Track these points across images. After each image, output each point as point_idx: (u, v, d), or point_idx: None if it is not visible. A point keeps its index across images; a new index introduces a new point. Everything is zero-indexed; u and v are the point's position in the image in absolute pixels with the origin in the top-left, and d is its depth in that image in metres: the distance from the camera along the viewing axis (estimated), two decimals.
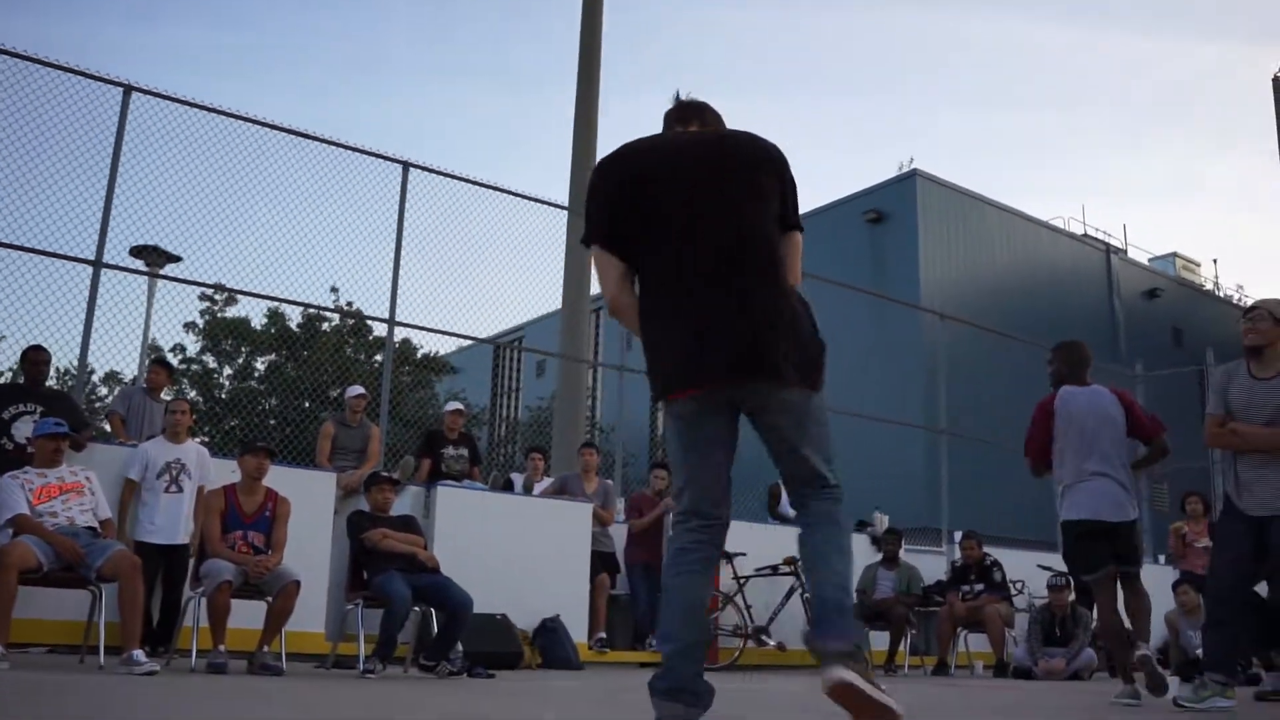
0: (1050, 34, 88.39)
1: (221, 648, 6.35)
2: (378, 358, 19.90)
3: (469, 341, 12.62)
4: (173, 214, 10.18)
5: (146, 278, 12.56)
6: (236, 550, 6.75)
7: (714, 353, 3.05)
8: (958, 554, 11.54)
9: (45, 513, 6.31)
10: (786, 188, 3.28)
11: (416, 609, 7.13)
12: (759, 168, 3.24)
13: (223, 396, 22.23)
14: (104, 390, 21.33)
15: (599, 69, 16.60)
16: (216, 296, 21.27)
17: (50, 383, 8.03)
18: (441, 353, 20.46)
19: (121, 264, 9.63)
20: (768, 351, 3.04)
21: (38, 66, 8.85)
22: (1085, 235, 31.83)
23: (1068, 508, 6.33)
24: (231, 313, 22.09)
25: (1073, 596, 10.88)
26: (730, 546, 10.58)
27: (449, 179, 10.82)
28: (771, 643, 10.36)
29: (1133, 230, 46.54)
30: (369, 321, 18.32)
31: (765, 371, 3.04)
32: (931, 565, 12.02)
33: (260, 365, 23.11)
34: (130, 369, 14.87)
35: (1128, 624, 6.45)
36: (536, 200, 11.56)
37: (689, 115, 3.46)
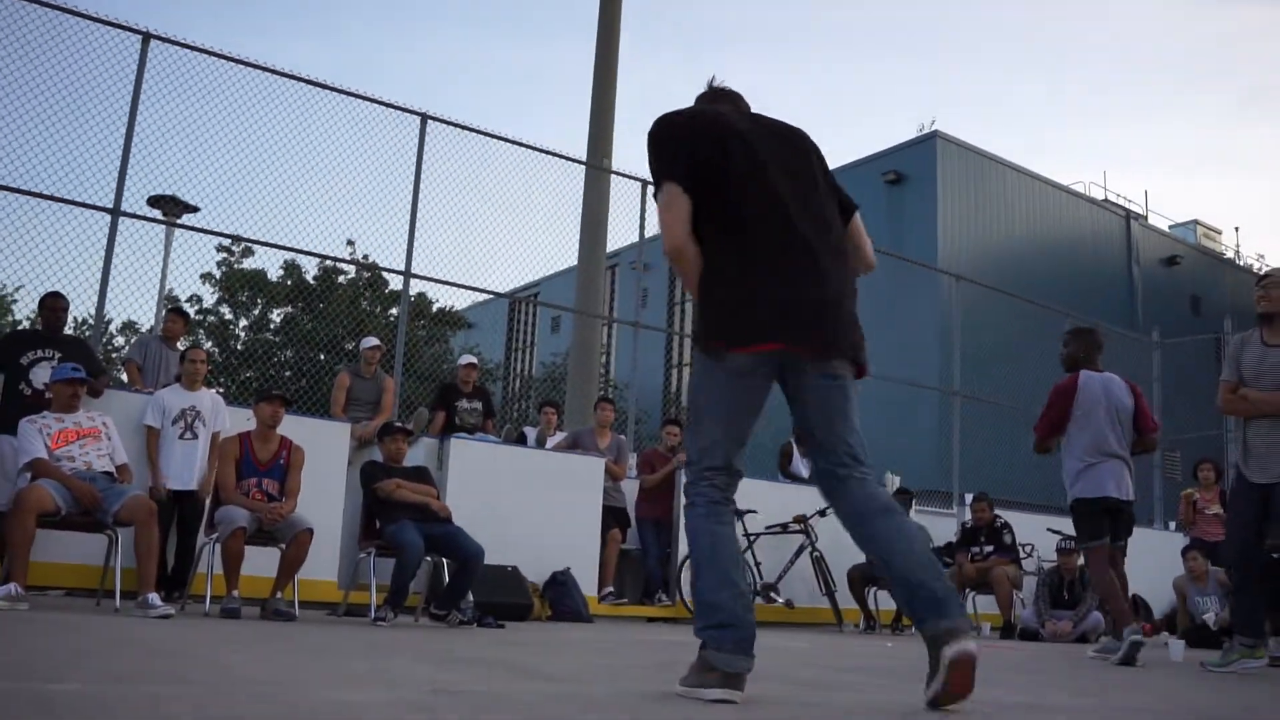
0: None
1: (235, 593, 6.43)
2: (393, 311, 19.94)
3: (484, 296, 12.64)
4: (190, 164, 10.21)
5: (164, 228, 12.60)
6: (251, 497, 6.81)
7: (797, 319, 3.14)
8: (968, 516, 11.56)
9: (63, 457, 6.37)
10: (828, 174, 3.44)
11: (428, 559, 7.19)
12: (821, 159, 3.42)
13: (238, 348, 22.32)
14: (120, 340, 21.44)
15: (619, 23, 16.49)
16: (233, 248, 21.33)
17: (68, 331, 8.07)
18: (457, 308, 20.48)
19: (139, 213, 9.67)
20: (844, 332, 3.22)
21: (57, 13, 8.84)
22: (1105, 201, 31.60)
23: (1084, 485, 6.68)
24: (248, 264, 22.14)
25: (1081, 560, 10.91)
26: (740, 504, 10.60)
27: (467, 132, 10.80)
28: (780, 600, 10.43)
29: (1154, 197, 46.30)
30: (385, 274, 18.35)
31: (842, 350, 3.22)
32: (942, 527, 12.05)
33: (276, 317, 23.17)
34: (147, 319, 14.94)
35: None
36: (555, 154, 11.54)
37: (720, 100, 3.51)
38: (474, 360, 10.46)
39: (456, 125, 10.73)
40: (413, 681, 3.16)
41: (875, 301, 20.43)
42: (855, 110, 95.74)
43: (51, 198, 8.63)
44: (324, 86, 10.07)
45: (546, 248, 12.35)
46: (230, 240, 19.02)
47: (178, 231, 12.53)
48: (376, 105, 10.35)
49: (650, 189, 11.95)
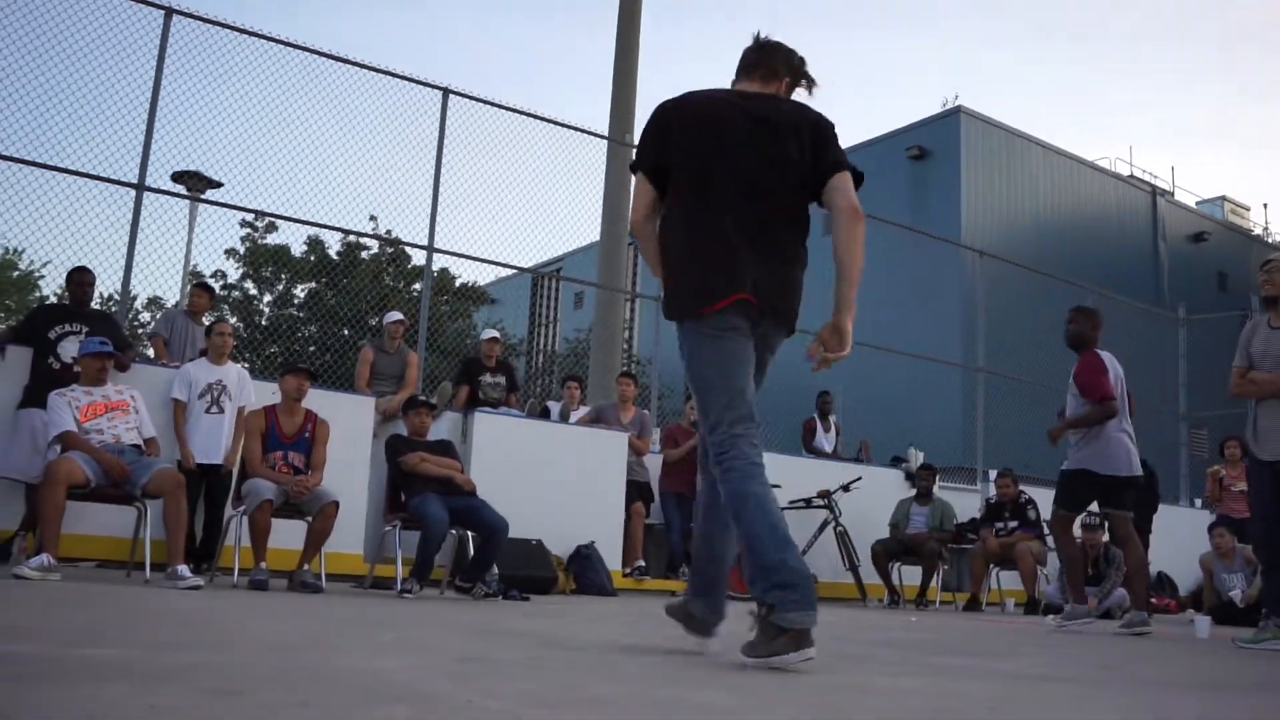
0: None
1: (263, 565, 6.49)
2: (416, 286, 19.96)
3: (507, 271, 12.64)
4: (213, 140, 10.24)
5: (188, 204, 12.65)
6: (277, 471, 6.85)
7: (757, 284, 3.40)
8: (992, 492, 11.53)
9: (92, 430, 6.43)
10: (820, 145, 3.50)
11: (453, 531, 7.23)
12: (813, 133, 3.50)
13: (263, 323, 22.41)
14: (146, 316, 21.57)
15: None
16: (257, 223, 21.38)
17: (94, 306, 8.13)
18: (480, 283, 20.49)
19: (164, 188, 9.71)
20: (791, 304, 3.58)
21: None
22: (1131, 176, 31.30)
23: (1097, 459, 6.92)
24: (271, 240, 22.21)
25: (1106, 537, 10.88)
26: None
27: (489, 106, 10.79)
28: None
29: (1181, 172, 45.80)
30: (407, 250, 18.38)
31: (788, 321, 3.60)
32: (966, 503, 12.03)
33: (300, 293, 23.25)
34: (172, 294, 15.02)
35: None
36: (576, 129, 11.51)
37: (754, 65, 3.70)
38: (497, 335, 10.47)
39: (478, 100, 10.72)
40: (440, 650, 3.19)
41: (898, 277, 20.63)
42: (879, 85, 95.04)
43: (77, 173, 8.68)
44: (346, 61, 10.07)
45: (569, 223, 12.31)
46: (254, 216, 19.11)
47: (202, 207, 12.58)
48: (398, 80, 10.34)
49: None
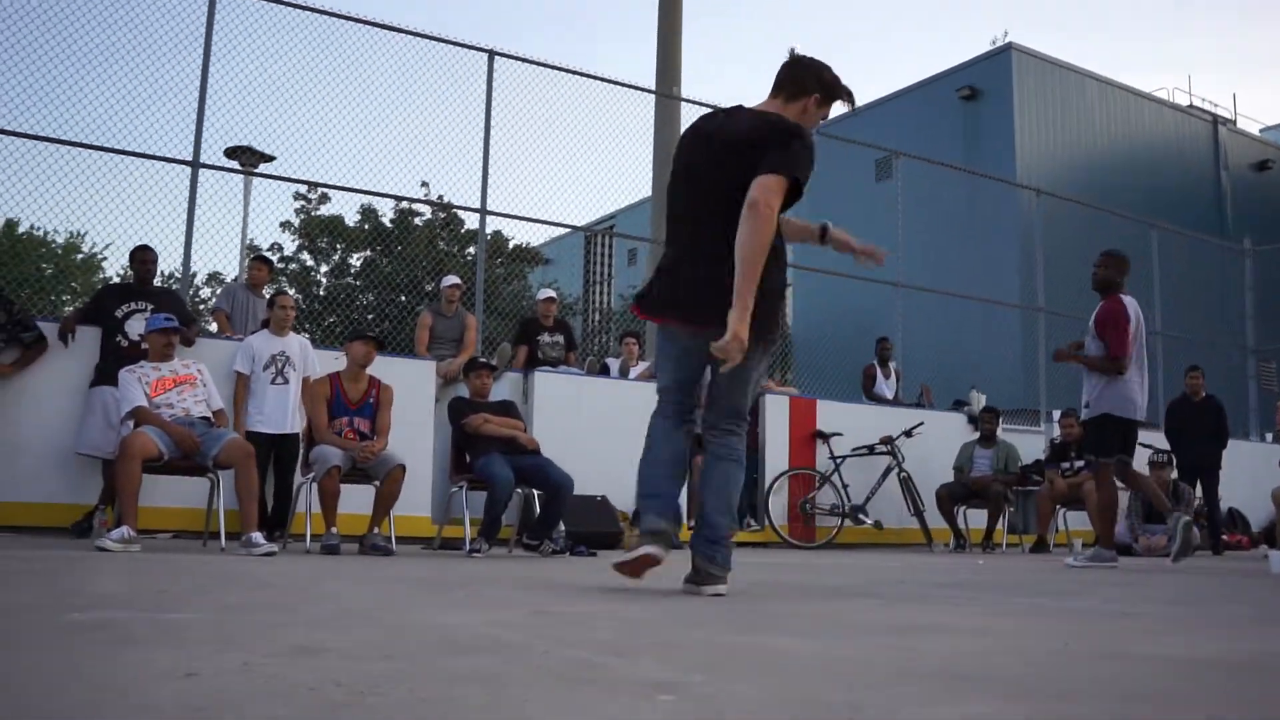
0: None
1: (333, 529, 6.60)
2: (470, 250, 20.06)
3: (560, 230, 12.66)
4: (264, 114, 10.33)
5: (242, 179, 12.79)
6: (343, 437, 6.95)
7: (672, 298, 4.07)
8: (1057, 432, 11.43)
9: (162, 404, 6.56)
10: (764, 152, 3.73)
11: (519, 490, 7.31)
12: (741, 146, 3.79)
13: (320, 294, 22.65)
14: (206, 292, 21.86)
15: None
16: (310, 195, 21.56)
17: (156, 283, 8.28)
18: (533, 244, 20.55)
19: (218, 164, 9.84)
20: (699, 304, 3.92)
21: None
22: (1191, 106, 30.57)
23: (1125, 404, 7.13)
24: (325, 211, 22.39)
25: (1174, 474, 10.76)
26: (826, 426, 10.68)
27: (535, 66, 10.77)
28: (869, 521, 10.44)
29: (1243, 100, 44.61)
30: (460, 214, 18.43)
31: (693, 319, 3.98)
32: (1030, 445, 11.93)
33: (355, 261, 23.45)
34: (231, 269, 15.20)
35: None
36: (624, 85, 11.45)
37: (781, 84, 4.01)
38: (553, 294, 10.51)
39: (524, 60, 10.71)
40: (513, 605, 3.24)
41: (954, 220, 20.34)
42: (927, 26, 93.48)
43: (134, 154, 8.82)
44: (391, 28, 10.09)
45: (620, 180, 12.30)
46: (306, 187, 19.27)
47: (256, 182, 12.72)
48: (444, 44, 10.35)
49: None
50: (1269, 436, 15.32)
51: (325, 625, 2.59)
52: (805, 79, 3.96)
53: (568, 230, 13.17)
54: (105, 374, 7.33)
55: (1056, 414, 11.83)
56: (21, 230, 23.91)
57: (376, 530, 6.81)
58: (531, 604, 3.28)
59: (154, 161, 8.95)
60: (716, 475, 4.09)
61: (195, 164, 8.93)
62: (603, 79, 11.20)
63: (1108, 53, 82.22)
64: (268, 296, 8.65)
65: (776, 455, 10.47)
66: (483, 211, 10.36)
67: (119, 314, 7.65)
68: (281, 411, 7.79)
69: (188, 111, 9.05)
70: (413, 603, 3.27)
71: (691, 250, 3.89)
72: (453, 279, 9.63)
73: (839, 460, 10.50)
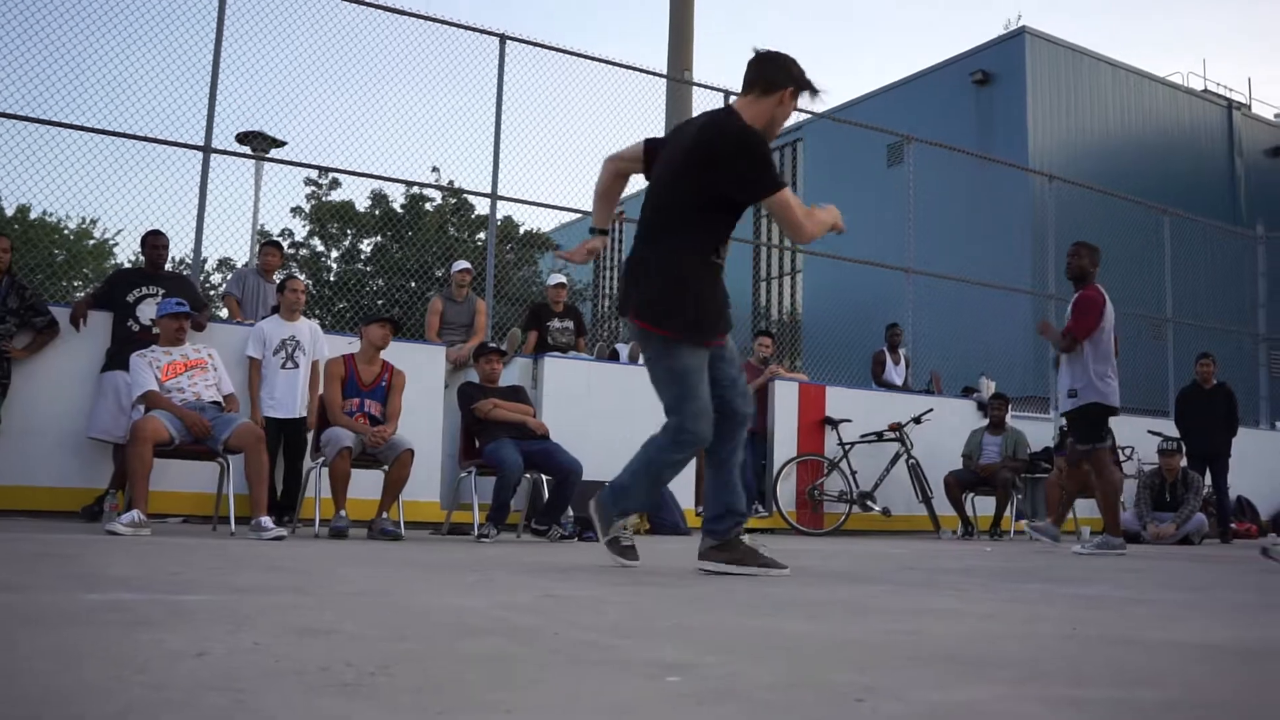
0: None
1: (342, 512, 6.62)
2: (480, 236, 20.07)
3: (571, 216, 12.64)
4: (275, 99, 10.34)
5: (253, 165, 12.80)
6: (354, 419, 6.97)
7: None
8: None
9: (173, 389, 6.58)
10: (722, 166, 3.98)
11: (527, 475, 7.32)
12: (707, 142, 4.02)
13: (331, 279, 22.69)
14: (217, 278, 21.92)
15: None
16: (320, 180, 21.58)
17: (168, 269, 8.29)
18: (544, 230, 20.57)
19: (229, 149, 9.85)
20: (638, 301, 4.31)
21: None
22: (1205, 91, 30.41)
23: (1108, 394, 7.32)
24: (335, 197, 22.41)
25: (1184, 462, 10.74)
26: (835, 413, 10.67)
27: (546, 50, 10.75)
28: (877, 508, 10.44)
29: (1259, 84, 44.34)
30: (471, 199, 18.45)
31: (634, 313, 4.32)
32: (1039, 432, 11.91)
33: (366, 247, 23.48)
34: (241, 255, 15.23)
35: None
36: (635, 69, 11.43)
37: (751, 82, 4.18)
38: (563, 280, 10.51)
39: (535, 44, 10.68)
40: (523, 589, 3.25)
41: (965, 205, 20.28)
42: (939, 9, 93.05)
43: (145, 138, 8.83)
44: (402, 13, 10.07)
45: None
46: (318, 173, 19.28)
47: (267, 167, 12.71)
48: (455, 28, 10.33)
49: (734, 98, 11.83)
50: (1279, 424, 15.29)
51: (335, 607, 2.60)
52: (777, 75, 4.12)
53: (578, 216, 13.15)
54: (116, 359, 7.35)
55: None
56: (34, 216, 23.98)
57: (385, 515, 6.82)
58: (541, 588, 3.29)
59: (165, 147, 8.96)
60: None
61: (207, 149, 8.94)
62: (614, 63, 11.18)
63: (1121, 36, 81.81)
64: (278, 282, 8.66)
65: (785, 441, 10.47)
66: (493, 196, 10.36)
67: (130, 299, 7.68)
68: (291, 396, 7.81)
69: (199, 97, 9.06)
70: (422, 586, 3.28)
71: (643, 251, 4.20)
72: (463, 264, 9.64)
73: (847, 447, 10.49)
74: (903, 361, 12.10)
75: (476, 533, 7.02)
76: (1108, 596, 3.60)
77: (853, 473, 10.43)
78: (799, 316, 26.57)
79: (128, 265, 10.32)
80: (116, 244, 28.00)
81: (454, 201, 21.30)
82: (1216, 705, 1.52)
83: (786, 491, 10.30)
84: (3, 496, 7.28)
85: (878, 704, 1.45)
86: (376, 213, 22.13)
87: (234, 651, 1.78)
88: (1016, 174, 20.94)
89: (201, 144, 8.94)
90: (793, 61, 4.16)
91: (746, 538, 4.36)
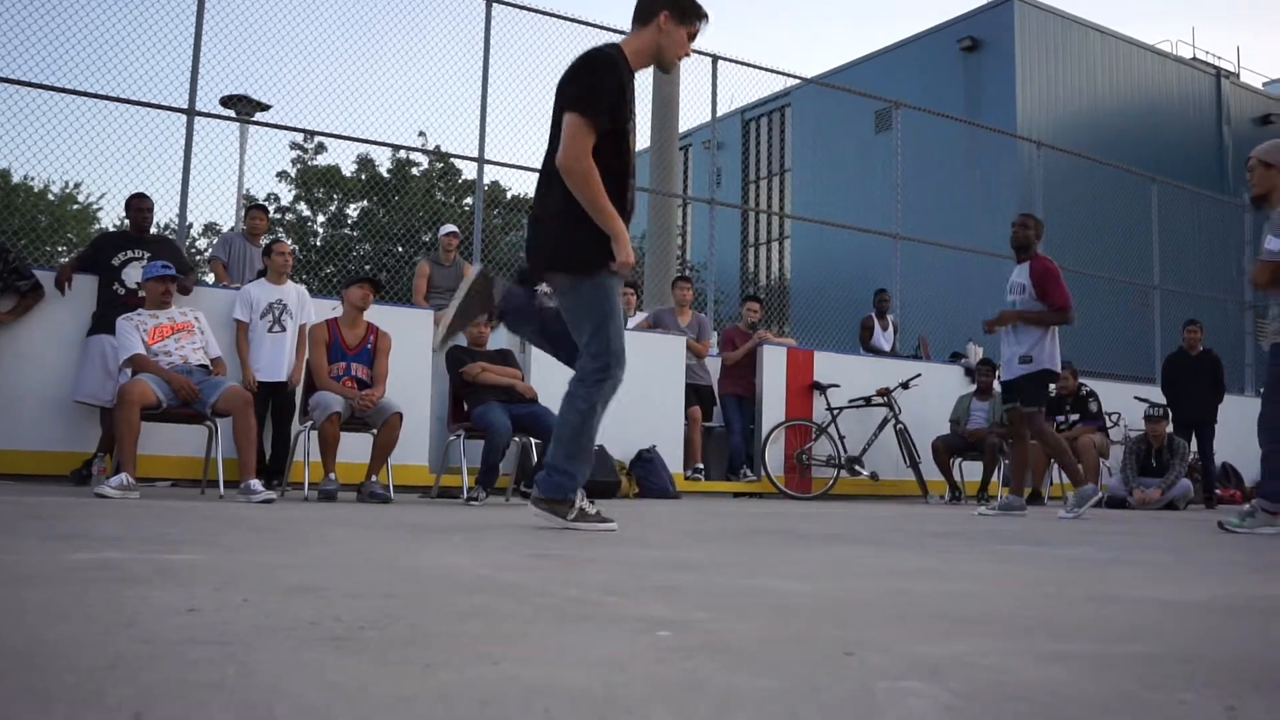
0: None
1: (332, 475, 6.63)
2: (468, 200, 19.99)
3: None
4: (260, 63, 10.28)
5: (238, 129, 12.71)
6: (341, 383, 6.96)
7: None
8: (1051, 387, 11.45)
9: (160, 352, 6.56)
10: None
11: (516, 439, 7.33)
12: (569, 82, 4.02)
13: (317, 244, 22.60)
14: (203, 243, 21.83)
15: None
16: (306, 145, 21.46)
17: (153, 232, 8.24)
18: (531, 195, 20.53)
19: (214, 112, 9.77)
20: (539, 251, 4.30)
21: None
22: (1194, 59, 30.37)
23: (1050, 358, 7.42)
24: (321, 161, 22.29)
25: (1170, 428, 10.80)
26: (823, 378, 10.70)
27: (532, 13, 10.67)
28: (865, 473, 10.49)
29: (1247, 53, 44.28)
30: (458, 165, 18.36)
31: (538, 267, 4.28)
32: None
33: (352, 212, 23.38)
34: (227, 220, 15.15)
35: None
36: (623, 32, 11.34)
37: (635, 16, 4.18)
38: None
39: (522, 7, 10.61)
40: (512, 549, 3.26)
41: (953, 172, 20.30)
42: None
43: (129, 101, 8.77)
44: None
45: None
46: (303, 136, 19.15)
47: (252, 132, 12.65)
48: None
49: (720, 64, 11.69)
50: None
51: (324, 567, 2.60)
52: (653, 7, 4.08)
53: None
54: (103, 322, 7.32)
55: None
56: (15, 181, 23.80)
57: (374, 478, 6.83)
58: (529, 548, 3.30)
59: (149, 110, 8.90)
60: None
61: (191, 112, 8.88)
62: (601, 26, 11.12)
63: (1110, 3, 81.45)
64: (264, 245, 8.62)
65: (773, 406, 10.49)
66: (480, 160, 10.31)
67: (116, 262, 7.63)
68: (279, 359, 7.80)
69: (183, 60, 8.99)
70: (411, 547, 3.28)
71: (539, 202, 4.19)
72: (450, 227, 9.60)
73: (836, 412, 10.52)
74: (891, 327, 12.12)
75: (465, 496, 7.04)
76: (1091, 558, 3.62)
77: (841, 437, 10.47)
78: (787, 282, 26.57)
79: (112, 229, 10.25)
80: (101, 208, 27.85)
81: (440, 166, 21.21)
82: (1198, 658, 1.54)
83: (775, 456, 10.33)
84: None
85: (865, 657, 1.46)
86: (363, 177, 22.02)
87: (223, 608, 1.78)
88: (1004, 141, 20.94)
89: (185, 107, 8.87)
90: None
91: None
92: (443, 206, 20.44)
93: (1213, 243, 17.30)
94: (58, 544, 2.95)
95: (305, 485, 6.99)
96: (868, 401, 10.71)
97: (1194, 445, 11.07)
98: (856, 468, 10.47)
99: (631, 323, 10.48)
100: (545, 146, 4.11)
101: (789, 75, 13.81)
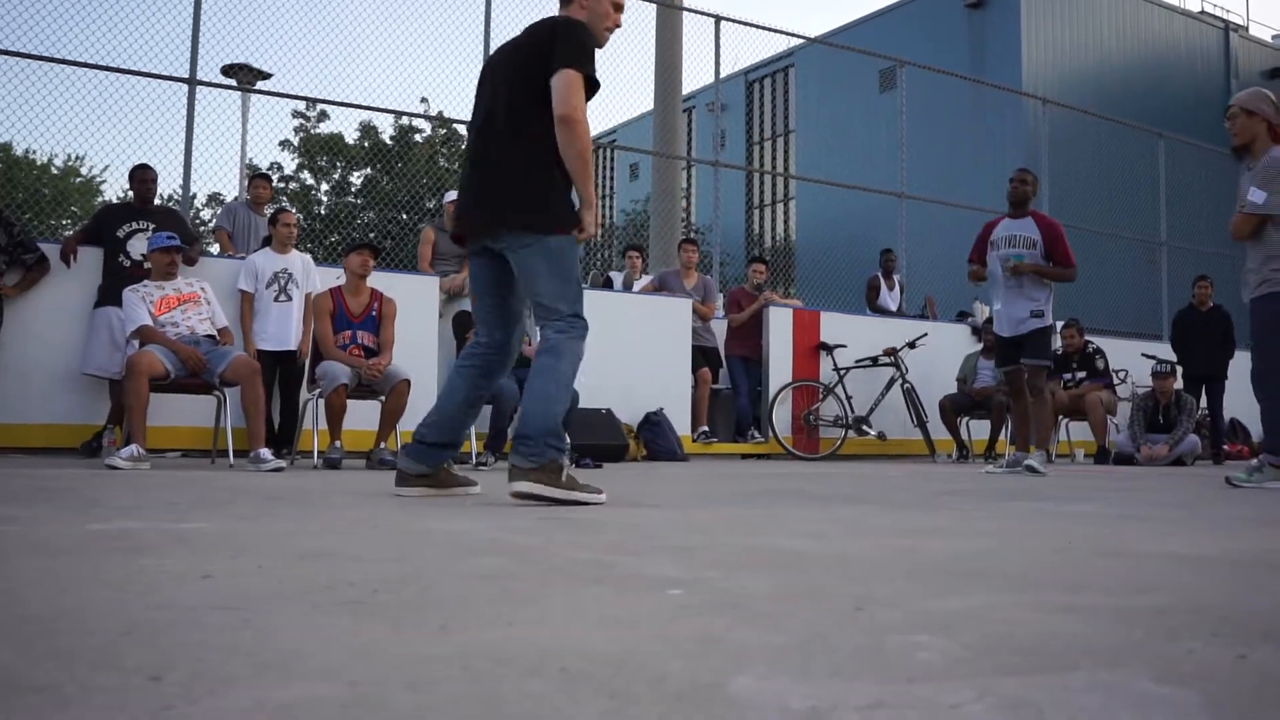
0: None
1: (338, 444, 6.66)
2: None
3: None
4: (260, 31, 10.23)
5: (240, 99, 12.66)
6: (347, 352, 6.97)
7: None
8: (1058, 343, 11.44)
9: (167, 323, 6.57)
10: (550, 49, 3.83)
11: None
12: (536, 46, 3.88)
13: (321, 213, 22.57)
14: (207, 214, 21.80)
15: None
16: (308, 113, 21.38)
17: (156, 203, 8.23)
18: None
19: (215, 81, 9.73)
20: (491, 211, 3.98)
21: None
22: (1202, 12, 30.10)
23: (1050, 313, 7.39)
24: (324, 129, 22.22)
25: (1178, 384, 10.79)
26: (830, 338, 10.69)
27: None
28: (872, 432, 10.50)
29: (1256, 5, 43.88)
30: (461, 128, 18.26)
31: (488, 228, 3.97)
32: None
33: (356, 180, 23.33)
34: (230, 190, 15.11)
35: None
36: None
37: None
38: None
39: None
40: (521, 513, 3.28)
41: (959, 131, 20.13)
42: None
43: (130, 71, 8.73)
44: None
45: (622, 93, 12.21)
46: (305, 105, 19.07)
47: (254, 101, 12.59)
48: None
49: (724, 25, 11.58)
50: None
51: (335, 533, 2.62)
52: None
53: None
54: (109, 294, 7.32)
55: (1058, 325, 11.83)
56: (17, 153, 23.75)
57: (383, 445, 6.86)
58: (540, 512, 3.31)
59: (151, 80, 8.87)
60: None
61: (192, 81, 8.84)
62: None
63: None
64: (269, 215, 8.60)
65: (780, 367, 10.49)
66: None
67: (121, 234, 7.62)
68: (286, 329, 7.80)
69: (183, 29, 8.94)
70: (421, 512, 3.30)
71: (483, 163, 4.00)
72: (455, 194, 9.56)
73: (843, 372, 10.52)
74: (897, 287, 12.10)
75: (474, 461, 7.06)
76: (1099, 513, 3.63)
77: (848, 398, 10.47)
78: (793, 243, 26.51)
79: (116, 201, 10.23)
80: (104, 181, 27.81)
81: (444, 132, 21.11)
82: (1207, 609, 1.54)
83: (782, 417, 10.35)
84: None
85: (875, 613, 1.47)
86: (366, 145, 21.95)
87: (237, 575, 1.79)
88: (1010, 98, 20.80)
89: (186, 76, 8.84)
90: None
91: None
92: (446, 173, 20.38)
93: (1220, 199, 17.15)
94: (73, 515, 2.97)
95: (314, 454, 7.02)
96: (874, 361, 10.70)
97: (1204, 401, 11.05)
98: (864, 428, 10.48)
99: (637, 285, 10.49)
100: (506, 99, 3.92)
101: (793, 35, 13.71)
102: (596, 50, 3.94)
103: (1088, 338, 11.17)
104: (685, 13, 13.24)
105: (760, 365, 10.46)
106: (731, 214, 19.07)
